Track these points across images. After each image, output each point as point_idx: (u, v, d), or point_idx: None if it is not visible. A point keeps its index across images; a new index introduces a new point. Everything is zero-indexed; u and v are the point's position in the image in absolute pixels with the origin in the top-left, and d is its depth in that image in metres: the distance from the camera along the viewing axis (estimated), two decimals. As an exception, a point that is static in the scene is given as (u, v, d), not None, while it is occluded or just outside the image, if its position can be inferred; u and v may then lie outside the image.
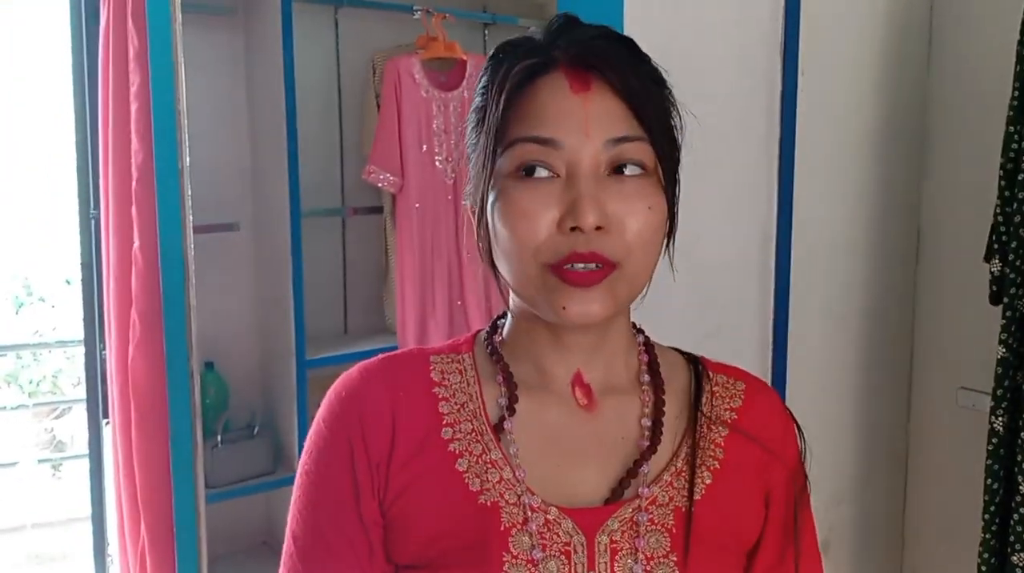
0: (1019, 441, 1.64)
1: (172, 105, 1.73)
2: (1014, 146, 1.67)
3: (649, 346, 0.87)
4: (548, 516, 0.75)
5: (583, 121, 0.72)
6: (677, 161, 0.79)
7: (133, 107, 1.79)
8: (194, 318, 1.77)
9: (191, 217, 1.77)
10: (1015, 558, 1.66)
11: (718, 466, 0.81)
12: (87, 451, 2.45)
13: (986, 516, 1.71)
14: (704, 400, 0.84)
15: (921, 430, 2.19)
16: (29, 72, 4.43)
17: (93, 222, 2.25)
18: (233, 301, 2.56)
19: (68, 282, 4.67)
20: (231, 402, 2.46)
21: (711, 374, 0.87)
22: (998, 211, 1.71)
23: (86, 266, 2.31)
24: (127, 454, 1.93)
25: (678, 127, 0.78)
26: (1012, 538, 1.66)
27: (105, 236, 1.95)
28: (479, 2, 2.80)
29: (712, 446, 0.82)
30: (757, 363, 1.90)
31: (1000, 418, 1.68)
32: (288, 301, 2.38)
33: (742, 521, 0.82)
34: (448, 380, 0.82)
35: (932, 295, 2.14)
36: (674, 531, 0.77)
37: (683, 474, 0.80)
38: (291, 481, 2.50)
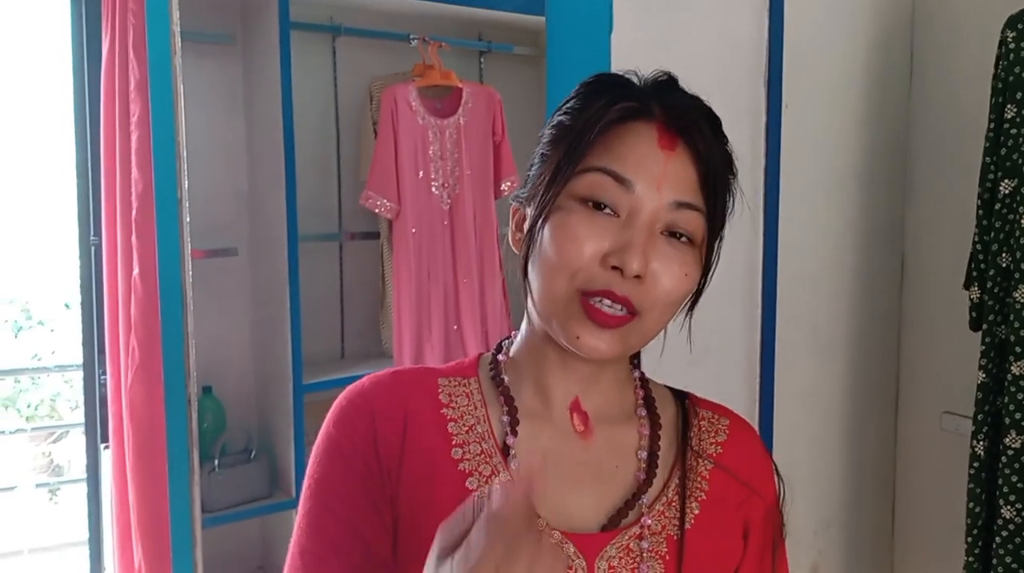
0: (999, 465, 1.67)
1: (172, 135, 1.76)
2: (991, 176, 1.71)
3: (644, 381, 0.91)
4: (552, 539, 0.78)
5: (660, 176, 0.77)
6: (721, 239, 0.83)
7: (134, 137, 1.83)
8: (192, 345, 1.79)
9: (189, 244, 1.79)
10: (998, 580, 1.68)
11: (704, 497, 0.85)
12: (84, 475, 2.46)
13: (969, 539, 1.73)
14: (692, 434, 0.88)
15: (907, 454, 2.21)
16: (30, 98, 4.47)
17: (94, 248, 2.27)
18: (231, 325, 2.57)
19: (67, 306, 4.67)
20: (228, 426, 2.47)
21: (698, 409, 0.92)
22: (976, 239, 1.75)
23: (86, 291, 2.33)
24: (124, 479, 1.94)
25: (730, 211, 0.83)
26: (995, 561, 1.69)
27: (108, 263, 1.98)
28: (474, 30, 2.84)
29: (699, 478, 0.86)
30: (744, 389, 1.93)
31: (981, 442, 1.71)
32: (285, 325, 2.40)
33: (726, 551, 0.86)
34: (456, 402, 0.85)
35: (916, 320, 2.17)
36: (667, 558, 0.81)
37: (674, 504, 0.84)
38: (288, 505, 2.50)
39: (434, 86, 2.52)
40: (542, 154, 0.84)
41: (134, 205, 1.82)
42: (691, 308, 0.85)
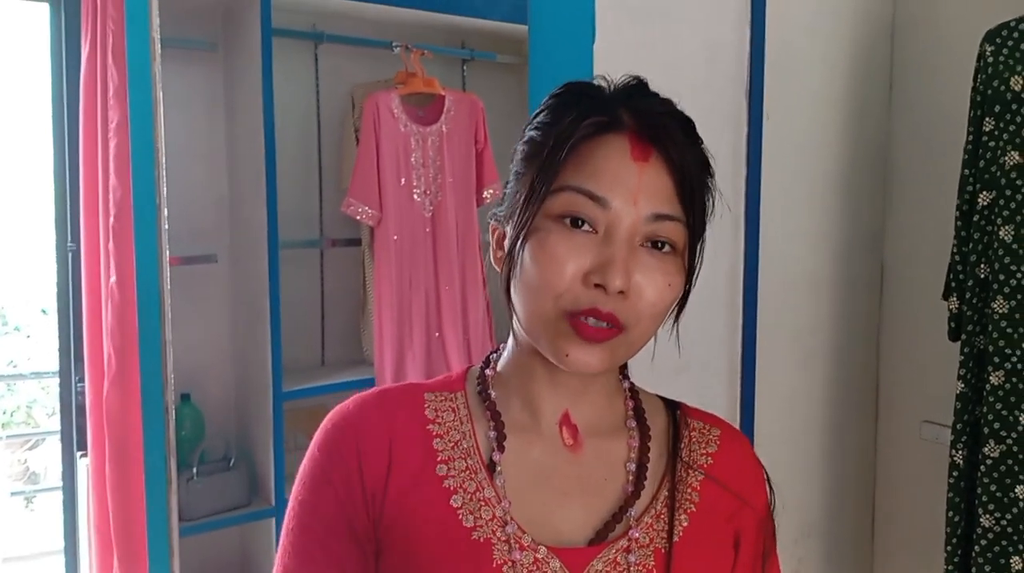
0: (978, 474, 1.68)
1: (151, 142, 1.75)
2: (969, 188, 1.73)
3: (634, 392, 0.91)
4: (537, 554, 0.78)
5: (635, 189, 0.76)
6: (703, 243, 0.83)
7: (112, 143, 1.81)
8: (170, 353, 1.78)
9: (168, 252, 1.78)
10: (976, 589, 1.69)
11: (694, 509, 0.85)
12: (61, 483, 2.43)
13: (948, 548, 1.74)
14: (682, 445, 0.88)
15: (887, 463, 2.22)
16: (8, 103, 4.44)
17: (71, 254, 2.25)
18: (211, 332, 2.55)
19: (44, 312, 4.63)
20: (207, 433, 2.45)
21: (689, 420, 0.91)
22: (955, 251, 1.77)
23: (62, 298, 2.30)
24: (103, 487, 1.93)
25: (710, 213, 0.82)
26: (974, 570, 1.70)
27: (86, 269, 1.96)
28: (457, 38, 2.84)
29: (689, 490, 0.86)
30: (725, 398, 1.94)
31: (960, 452, 1.72)
32: (265, 332, 2.38)
33: (716, 563, 0.85)
34: (442, 418, 0.84)
35: (896, 330, 2.18)
36: (654, 571, 0.80)
37: (663, 517, 0.83)
38: (267, 514, 2.49)
39: (416, 94, 2.51)
40: (516, 172, 0.83)
41: (112, 212, 1.81)
42: (677, 316, 0.84)
